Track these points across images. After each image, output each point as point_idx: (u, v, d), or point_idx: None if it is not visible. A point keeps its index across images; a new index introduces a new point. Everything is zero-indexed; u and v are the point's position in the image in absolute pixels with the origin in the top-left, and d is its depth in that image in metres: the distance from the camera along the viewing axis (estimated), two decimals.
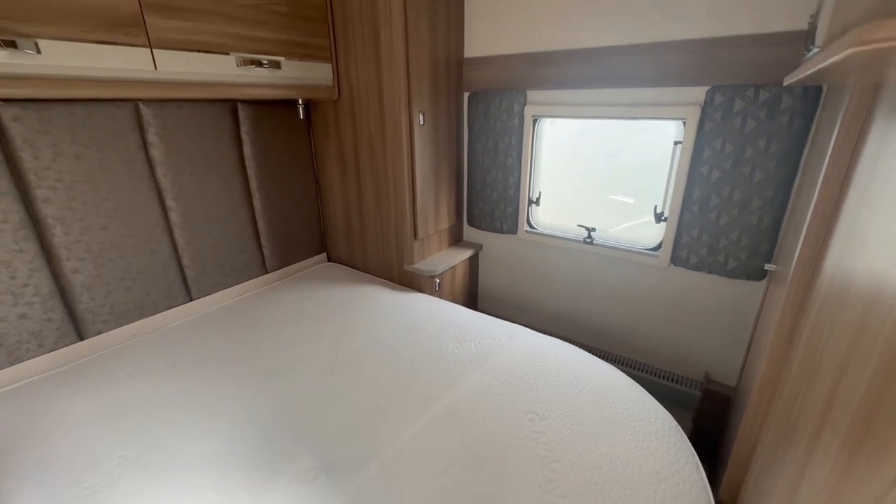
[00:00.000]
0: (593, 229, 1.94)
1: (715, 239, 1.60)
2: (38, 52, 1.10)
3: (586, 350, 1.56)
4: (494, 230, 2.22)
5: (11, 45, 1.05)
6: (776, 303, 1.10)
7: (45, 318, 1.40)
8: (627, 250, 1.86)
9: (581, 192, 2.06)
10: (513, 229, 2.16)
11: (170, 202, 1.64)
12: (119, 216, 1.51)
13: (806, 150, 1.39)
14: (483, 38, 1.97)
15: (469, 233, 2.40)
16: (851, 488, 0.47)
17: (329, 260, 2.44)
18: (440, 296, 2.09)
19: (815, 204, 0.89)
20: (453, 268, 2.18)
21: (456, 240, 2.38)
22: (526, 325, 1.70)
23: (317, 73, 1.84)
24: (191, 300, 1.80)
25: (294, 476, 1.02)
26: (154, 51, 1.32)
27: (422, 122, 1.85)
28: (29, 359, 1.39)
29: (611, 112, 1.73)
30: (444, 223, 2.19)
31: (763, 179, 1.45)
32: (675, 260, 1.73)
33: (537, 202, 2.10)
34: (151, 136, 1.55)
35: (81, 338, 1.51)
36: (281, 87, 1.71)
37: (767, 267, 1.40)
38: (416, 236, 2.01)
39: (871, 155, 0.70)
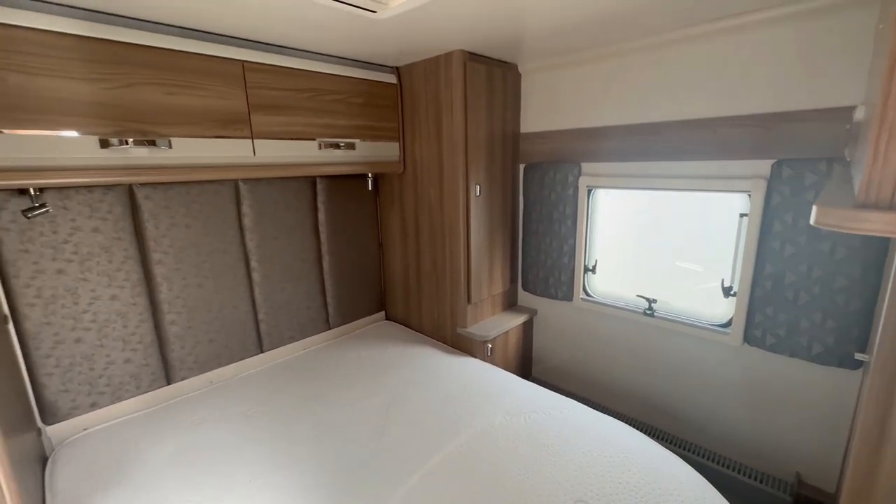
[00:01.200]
0: (654, 300, 1.86)
1: (794, 319, 1.46)
2: (171, 147, 1.38)
3: (646, 430, 1.45)
4: (549, 296, 2.20)
5: (152, 143, 1.34)
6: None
7: (144, 364, 1.62)
8: (693, 325, 1.74)
9: (640, 261, 2.01)
10: (568, 296, 2.13)
11: (254, 263, 1.87)
12: (212, 275, 1.75)
13: None
14: (538, 115, 2.10)
15: (524, 298, 2.40)
16: None
17: (387, 318, 2.55)
18: (492, 361, 2.07)
19: (892, 287, 0.81)
20: (506, 333, 2.17)
21: (510, 304, 2.38)
22: (581, 396, 1.63)
23: (385, 151, 2.06)
24: (262, 352, 1.97)
25: None
26: (255, 141, 1.58)
27: (478, 193, 1.97)
28: (127, 399, 1.59)
29: (669, 184, 1.72)
30: (499, 288, 2.22)
31: (846, 257, 1.33)
32: (748, 339, 1.59)
33: (593, 270, 2.08)
34: (245, 208, 1.81)
35: (169, 382, 1.70)
36: (355, 164, 1.94)
37: (858, 357, 1.24)
38: (469, 300, 2.06)
39: None
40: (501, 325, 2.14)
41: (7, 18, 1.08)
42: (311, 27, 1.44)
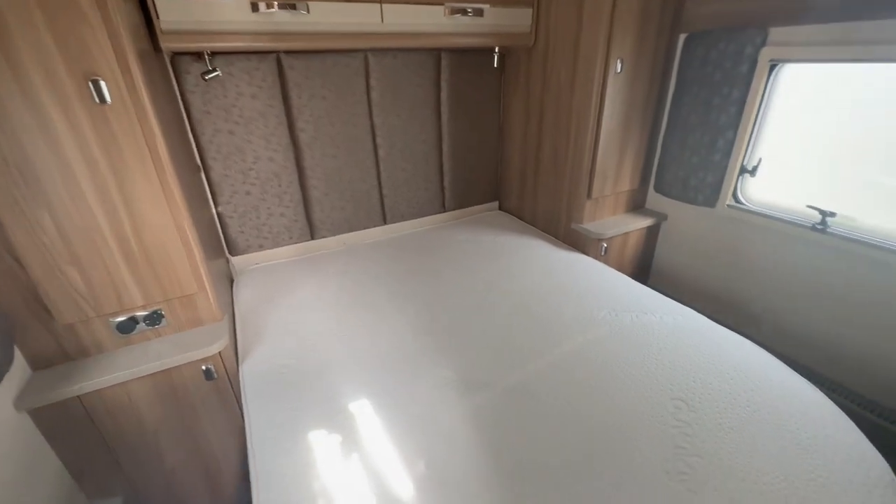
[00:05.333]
0: (831, 214, 1.49)
1: None
2: (308, 11, 1.43)
3: (785, 362, 1.26)
4: (686, 200, 1.92)
5: (292, 7, 1.39)
6: None
7: (294, 220, 1.93)
8: (887, 248, 1.37)
9: (826, 167, 1.57)
10: (710, 202, 1.82)
11: (379, 139, 1.97)
12: (344, 148, 1.91)
13: None
14: None
15: (653, 200, 2.14)
16: None
17: (500, 209, 2.55)
18: (605, 261, 1.97)
19: None
20: (626, 234, 2.01)
21: (636, 206, 2.16)
22: (705, 313, 1.47)
23: (516, 20, 1.84)
24: (385, 224, 2.18)
25: (432, 382, 1.20)
26: (383, 6, 1.54)
27: (619, 70, 1.68)
28: (283, 245, 1.95)
29: None
30: (625, 185, 2.00)
31: None
32: None
33: (752, 172, 1.71)
34: (373, 81, 1.85)
35: (312, 238, 2.02)
36: (481, 35, 1.79)
37: None
38: (589, 195, 1.91)
39: None
40: (621, 225, 1.98)
41: None
42: None
